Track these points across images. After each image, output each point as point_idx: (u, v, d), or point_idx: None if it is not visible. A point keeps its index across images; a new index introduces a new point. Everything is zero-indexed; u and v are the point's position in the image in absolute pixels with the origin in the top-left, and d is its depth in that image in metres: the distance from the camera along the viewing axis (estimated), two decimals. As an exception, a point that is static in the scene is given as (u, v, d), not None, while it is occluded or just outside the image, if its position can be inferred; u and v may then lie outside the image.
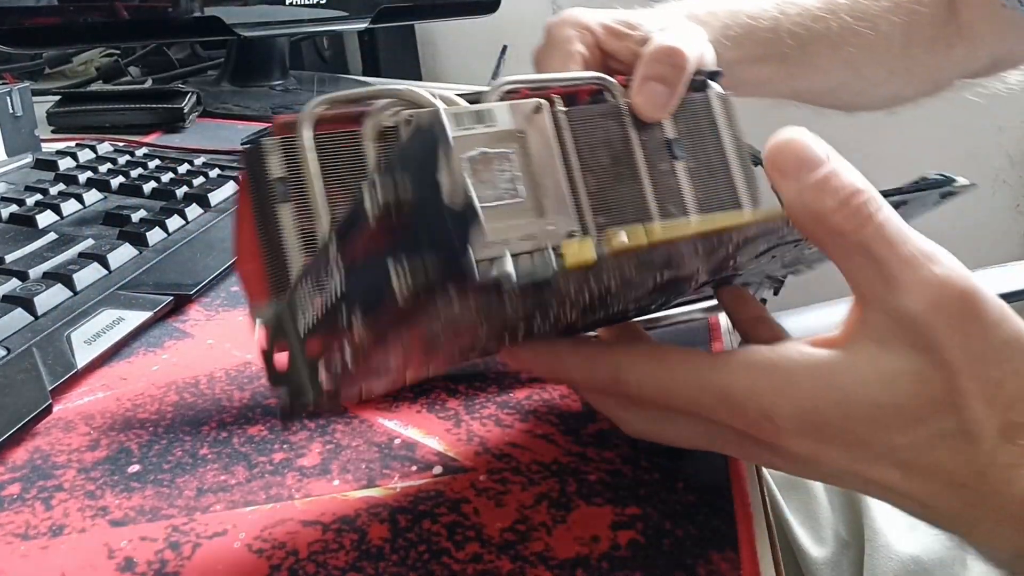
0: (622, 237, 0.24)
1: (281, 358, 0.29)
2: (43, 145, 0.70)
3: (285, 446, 0.35)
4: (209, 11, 0.81)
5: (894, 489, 0.27)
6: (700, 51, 0.45)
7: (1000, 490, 0.26)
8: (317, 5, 0.94)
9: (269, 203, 0.36)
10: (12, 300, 0.42)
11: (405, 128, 0.38)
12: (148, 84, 0.98)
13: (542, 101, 0.40)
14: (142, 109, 0.81)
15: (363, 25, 0.99)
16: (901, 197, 0.34)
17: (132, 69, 1.00)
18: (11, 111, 0.65)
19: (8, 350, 0.38)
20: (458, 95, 0.40)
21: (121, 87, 0.95)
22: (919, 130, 1.49)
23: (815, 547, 0.56)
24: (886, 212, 0.27)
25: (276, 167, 0.37)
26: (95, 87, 0.95)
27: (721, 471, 0.33)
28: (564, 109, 0.41)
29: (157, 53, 1.02)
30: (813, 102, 0.66)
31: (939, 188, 0.39)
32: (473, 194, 0.20)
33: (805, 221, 0.28)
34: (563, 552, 0.29)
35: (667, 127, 0.44)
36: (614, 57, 0.50)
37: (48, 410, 0.36)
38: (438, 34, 1.54)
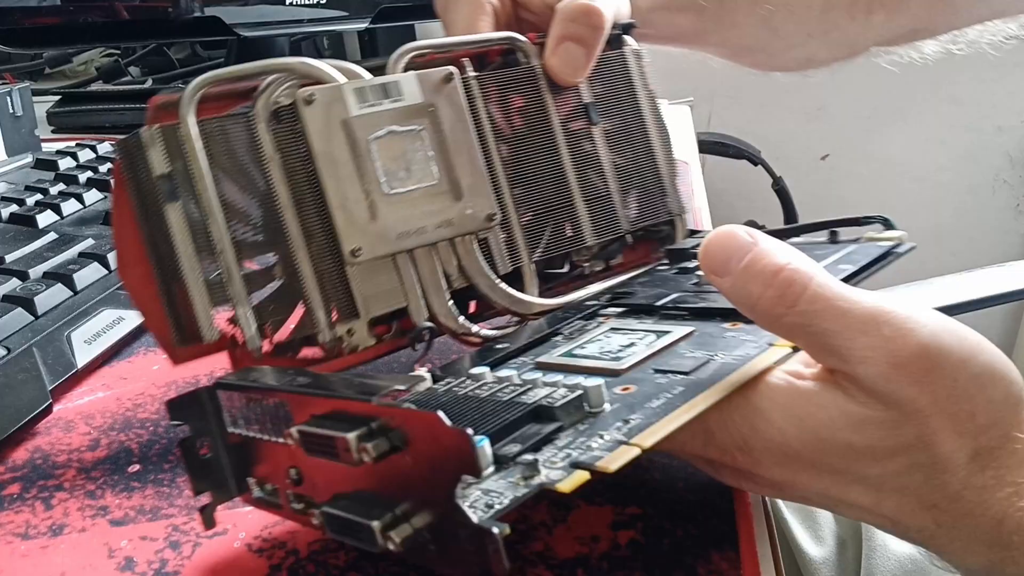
0: (611, 466, 0.23)
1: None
2: (43, 145, 0.70)
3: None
4: (209, 11, 0.81)
5: (866, 509, 0.28)
6: (616, 5, 0.43)
7: (973, 511, 0.26)
8: (317, 5, 0.94)
9: (154, 203, 0.32)
10: (12, 300, 0.42)
11: (305, 107, 0.34)
12: (148, 84, 0.98)
13: (452, 69, 0.37)
14: (142, 109, 0.81)
15: (363, 25, 0.99)
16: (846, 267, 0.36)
17: (132, 69, 1.00)
18: (11, 111, 0.65)
19: (8, 350, 0.38)
20: (362, 65, 0.36)
21: (121, 87, 0.95)
22: (919, 130, 1.49)
23: (813, 546, 0.56)
24: (818, 281, 0.26)
25: (159, 162, 0.33)
26: (95, 87, 0.95)
27: (721, 471, 0.33)
28: (475, 75, 0.38)
29: (157, 53, 1.02)
30: (729, 58, 0.64)
31: (882, 260, 0.38)
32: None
33: (745, 311, 0.28)
34: (563, 552, 0.29)
35: (583, 89, 0.42)
36: (526, 7, 0.47)
37: (48, 410, 0.36)
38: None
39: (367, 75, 0.36)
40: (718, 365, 0.29)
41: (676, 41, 0.60)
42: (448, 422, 0.20)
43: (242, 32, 0.84)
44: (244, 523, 0.30)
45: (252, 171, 0.34)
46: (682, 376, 0.29)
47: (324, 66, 0.35)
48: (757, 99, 1.49)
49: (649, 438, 0.24)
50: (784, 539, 0.57)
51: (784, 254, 0.27)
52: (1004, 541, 0.26)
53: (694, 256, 0.41)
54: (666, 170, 0.45)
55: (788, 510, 0.58)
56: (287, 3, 0.91)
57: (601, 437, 0.24)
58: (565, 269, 0.42)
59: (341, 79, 0.35)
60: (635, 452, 0.24)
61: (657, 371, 0.30)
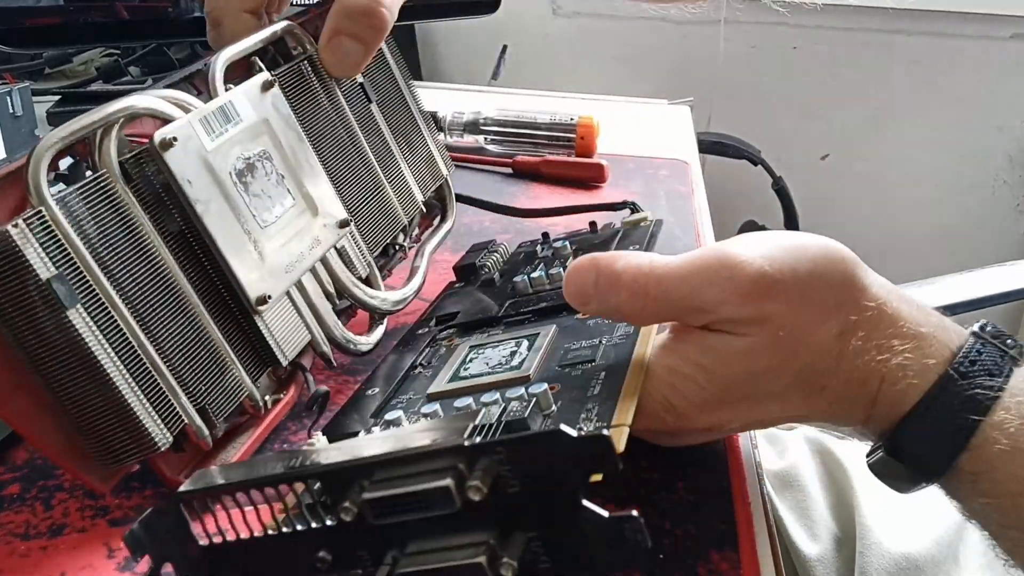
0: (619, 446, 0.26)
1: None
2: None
3: (285, 445, 0.35)
4: (209, 11, 0.81)
5: (784, 417, 0.32)
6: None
7: (852, 378, 0.30)
8: (316, 5, 0.94)
9: (45, 313, 0.27)
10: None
11: (165, 152, 0.30)
12: (148, 84, 0.98)
13: (267, 76, 0.36)
14: (130, 94, 0.81)
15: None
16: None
17: (132, 69, 1.00)
18: (11, 111, 0.65)
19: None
20: (178, 88, 0.34)
21: (121, 87, 0.95)
22: (919, 130, 1.49)
23: (808, 544, 0.56)
24: (652, 264, 0.31)
25: (42, 263, 0.27)
26: (95, 87, 0.95)
27: (721, 471, 0.33)
28: (274, 77, 0.37)
29: (157, 53, 1.02)
30: None
31: (654, 239, 0.43)
32: None
33: (618, 320, 0.34)
34: (563, 552, 0.29)
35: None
36: None
37: (48, 410, 0.36)
38: (438, 34, 1.54)
39: (196, 101, 0.33)
40: (613, 346, 0.32)
41: None
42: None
43: (242, 32, 0.84)
44: (244, 523, 0.30)
45: (126, 241, 0.29)
46: (592, 365, 0.32)
47: (158, 102, 0.32)
48: (757, 99, 1.49)
49: (624, 416, 0.28)
50: (779, 537, 0.57)
51: (618, 260, 0.31)
52: (875, 395, 0.31)
53: (483, 268, 0.45)
54: (429, 138, 0.47)
55: (782, 508, 0.58)
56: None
57: (581, 431, 0.25)
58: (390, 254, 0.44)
59: (177, 111, 0.32)
60: (625, 431, 0.27)
61: (562, 367, 0.32)
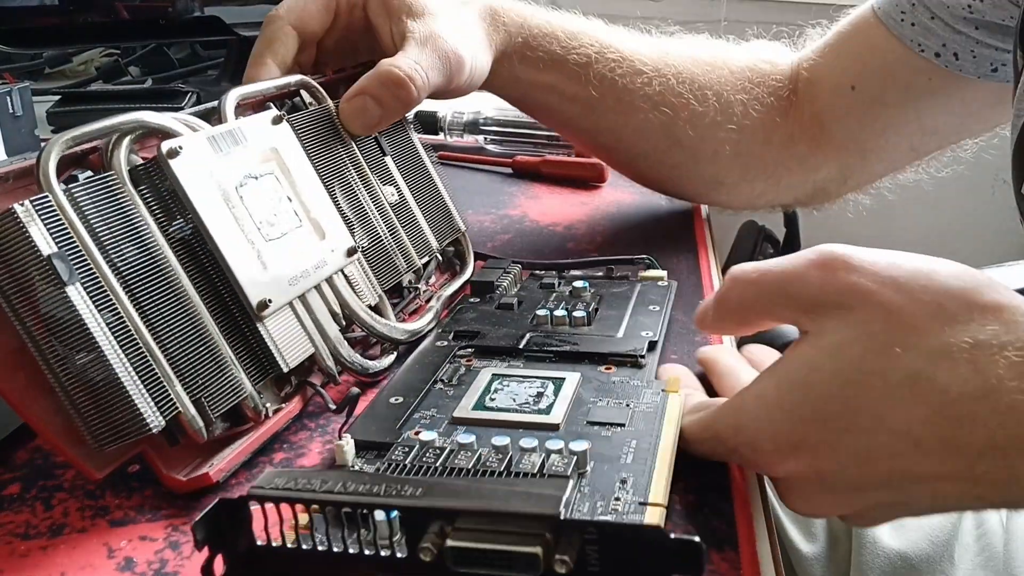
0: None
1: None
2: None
3: (285, 446, 0.35)
4: (209, 11, 0.81)
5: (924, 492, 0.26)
6: (441, 81, 0.45)
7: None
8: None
9: (43, 289, 0.27)
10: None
11: (171, 160, 0.32)
12: (148, 84, 0.98)
13: (277, 112, 0.38)
14: (142, 109, 0.81)
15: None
16: None
17: (132, 69, 1.00)
18: (11, 111, 0.65)
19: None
20: (190, 113, 0.36)
21: (121, 87, 0.95)
22: (919, 130, 1.49)
23: (805, 543, 0.57)
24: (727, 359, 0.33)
25: (44, 240, 0.28)
26: (95, 87, 0.95)
27: (721, 471, 0.33)
28: (283, 113, 0.39)
29: (157, 53, 1.02)
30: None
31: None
32: None
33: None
34: (563, 552, 0.29)
35: None
36: (355, 17, 0.47)
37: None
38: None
39: (205, 125, 0.35)
40: (643, 414, 0.33)
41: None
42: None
43: (242, 32, 0.84)
44: (244, 523, 0.30)
45: (128, 234, 0.31)
46: (621, 428, 0.32)
47: (167, 119, 0.34)
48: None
49: (661, 496, 0.28)
50: (776, 535, 0.57)
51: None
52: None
53: (499, 288, 0.46)
54: (446, 193, 0.49)
55: (781, 507, 0.59)
56: (287, 3, 0.91)
57: (618, 500, 0.28)
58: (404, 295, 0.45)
59: (186, 130, 0.34)
60: (661, 510, 0.28)
61: (591, 423, 0.33)
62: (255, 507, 0.24)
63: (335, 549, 0.24)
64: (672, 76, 0.55)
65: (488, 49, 0.50)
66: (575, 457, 0.30)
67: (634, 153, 0.58)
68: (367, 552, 0.24)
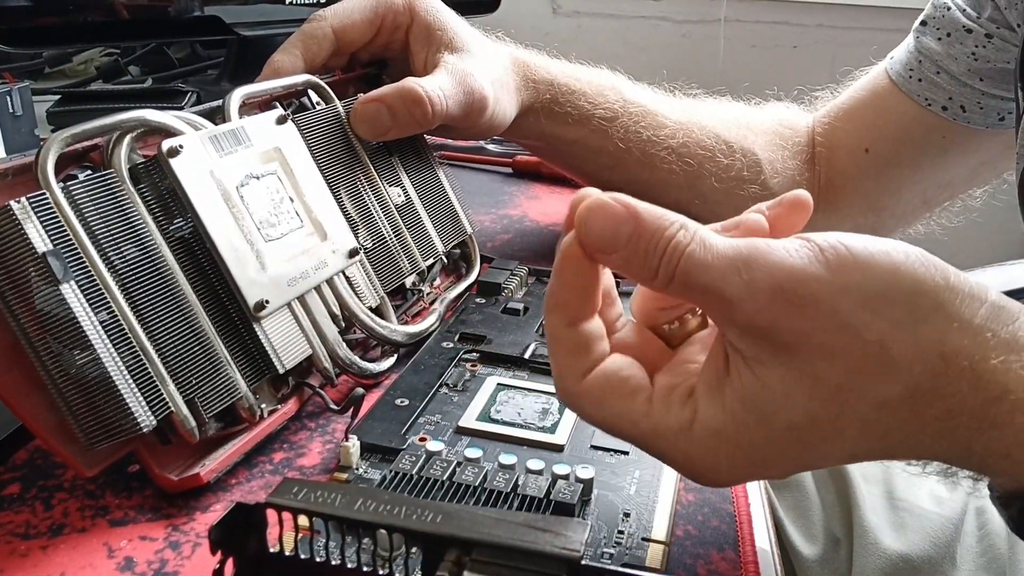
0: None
1: None
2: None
3: (285, 446, 0.35)
4: (209, 11, 0.81)
5: (850, 462, 0.26)
6: (459, 113, 0.45)
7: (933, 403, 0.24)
8: (317, 4, 0.94)
9: (39, 286, 0.27)
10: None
11: (171, 160, 0.32)
12: (148, 84, 0.98)
13: (281, 112, 0.38)
14: (142, 108, 0.81)
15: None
16: None
17: (132, 69, 1.00)
18: (11, 111, 0.65)
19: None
20: (194, 112, 0.35)
21: (121, 87, 0.95)
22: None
23: (806, 545, 0.57)
24: (695, 240, 0.25)
25: (40, 237, 0.28)
26: (95, 87, 0.95)
27: (721, 471, 0.33)
28: (292, 115, 0.39)
29: (157, 53, 1.02)
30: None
31: None
32: None
33: (640, 283, 0.27)
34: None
35: None
36: (395, 39, 0.48)
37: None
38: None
39: (208, 123, 0.35)
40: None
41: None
42: None
43: (242, 32, 0.84)
44: (244, 523, 0.30)
45: (126, 233, 0.30)
46: (624, 456, 0.33)
47: (169, 117, 0.33)
48: (756, 99, 1.49)
49: (663, 533, 0.29)
50: (776, 537, 0.57)
51: (661, 222, 0.26)
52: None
53: (505, 291, 0.46)
54: (454, 196, 0.49)
55: (781, 508, 0.59)
56: (287, 3, 0.91)
57: (621, 534, 0.29)
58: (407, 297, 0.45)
59: (189, 128, 0.34)
60: (663, 548, 0.29)
61: (595, 448, 0.33)
62: (271, 514, 0.24)
63: (349, 565, 0.24)
64: (696, 129, 0.56)
65: (515, 101, 0.51)
66: (581, 486, 0.30)
67: (658, 205, 0.59)
68: (381, 572, 0.24)
